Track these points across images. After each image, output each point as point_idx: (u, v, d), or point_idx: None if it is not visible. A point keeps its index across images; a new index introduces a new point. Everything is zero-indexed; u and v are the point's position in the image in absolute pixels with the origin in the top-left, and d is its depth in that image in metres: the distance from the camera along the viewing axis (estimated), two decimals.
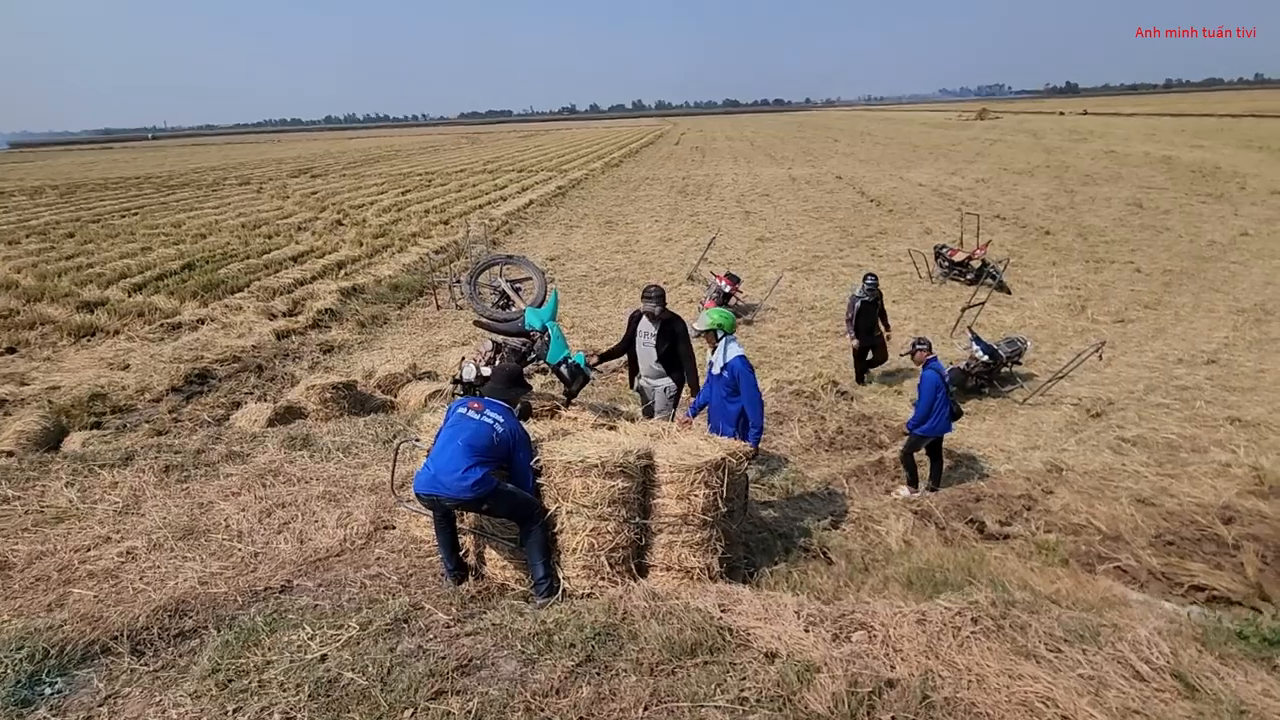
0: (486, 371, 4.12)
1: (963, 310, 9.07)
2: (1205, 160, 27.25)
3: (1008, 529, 5.24)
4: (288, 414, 7.04)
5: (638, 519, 3.44)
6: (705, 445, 3.67)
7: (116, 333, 11.30)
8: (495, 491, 3.26)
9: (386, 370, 8.63)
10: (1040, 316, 10.45)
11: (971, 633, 2.30)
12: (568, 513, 3.38)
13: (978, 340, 7.62)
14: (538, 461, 3.42)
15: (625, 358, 5.59)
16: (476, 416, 3.40)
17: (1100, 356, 7.70)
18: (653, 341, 5.27)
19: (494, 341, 4.72)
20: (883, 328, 8.30)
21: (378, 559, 3.52)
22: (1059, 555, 4.88)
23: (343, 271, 14.67)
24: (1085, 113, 72.24)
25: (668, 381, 5.34)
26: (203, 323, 11.63)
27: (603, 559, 3.36)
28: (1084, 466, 6.20)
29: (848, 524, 4.88)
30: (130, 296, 13.07)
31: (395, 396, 7.89)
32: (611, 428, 4.04)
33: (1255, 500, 5.49)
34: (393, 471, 3.74)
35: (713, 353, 4.90)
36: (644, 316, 5.35)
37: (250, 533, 3.65)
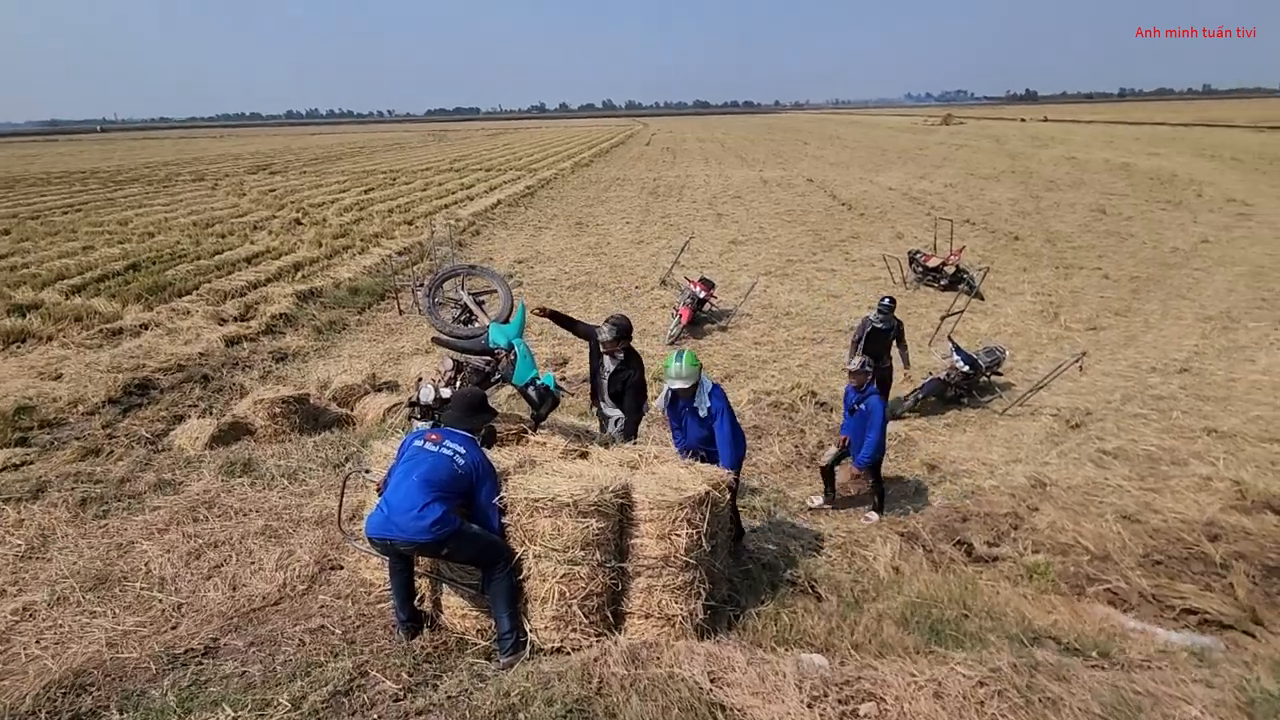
0: (446, 394, 3.73)
1: (942, 319, 8.95)
2: (1162, 168, 27.96)
3: (996, 550, 5.05)
4: (233, 430, 6.54)
5: (614, 562, 3.09)
6: (686, 476, 3.35)
7: (50, 339, 10.53)
8: (458, 533, 2.92)
9: (343, 381, 8.13)
10: (1014, 323, 10.40)
11: (998, 710, 2.04)
12: (535, 557, 3.02)
13: (958, 350, 7.47)
14: (502, 499, 3.07)
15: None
16: (434, 449, 3.04)
17: (1081, 368, 7.62)
18: (607, 377, 4.78)
19: (455, 360, 4.32)
20: (901, 360, 7.36)
21: (321, 607, 3.14)
22: (1049, 578, 4.71)
23: (300, 274, 14.02)
24: (1045, 119, 74.05)
25: (619, 414, 4.80)
26: (146, 328, 10.93)
27: (575, 608, 3.01)
28: (1067, 481, 6.06)
29: (833, 549, 4.63)
30: (68, 299, 12.26)
31: (352, 410, 7.43)
32: (584, 454, 3.70)
33: (1239, 516, 5.41)
34: (340, 505, 3.36)
35: (692, 399, 4.29)
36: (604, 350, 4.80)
37: (174, 579, 3.22)
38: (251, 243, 16.86)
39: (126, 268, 14.19)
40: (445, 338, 4.62)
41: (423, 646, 2.90)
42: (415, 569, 3.12)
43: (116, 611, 2.97)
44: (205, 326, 10.88)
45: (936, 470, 6.25)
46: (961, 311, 9.20)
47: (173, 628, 2.90)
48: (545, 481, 3.12)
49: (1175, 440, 6.75)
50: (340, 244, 16.70)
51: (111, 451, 6.83)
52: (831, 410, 7.48)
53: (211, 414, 7.82)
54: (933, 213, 19.38)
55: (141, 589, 3.15)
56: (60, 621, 2.88)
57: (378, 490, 3.16)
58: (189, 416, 7.82)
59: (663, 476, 3.34)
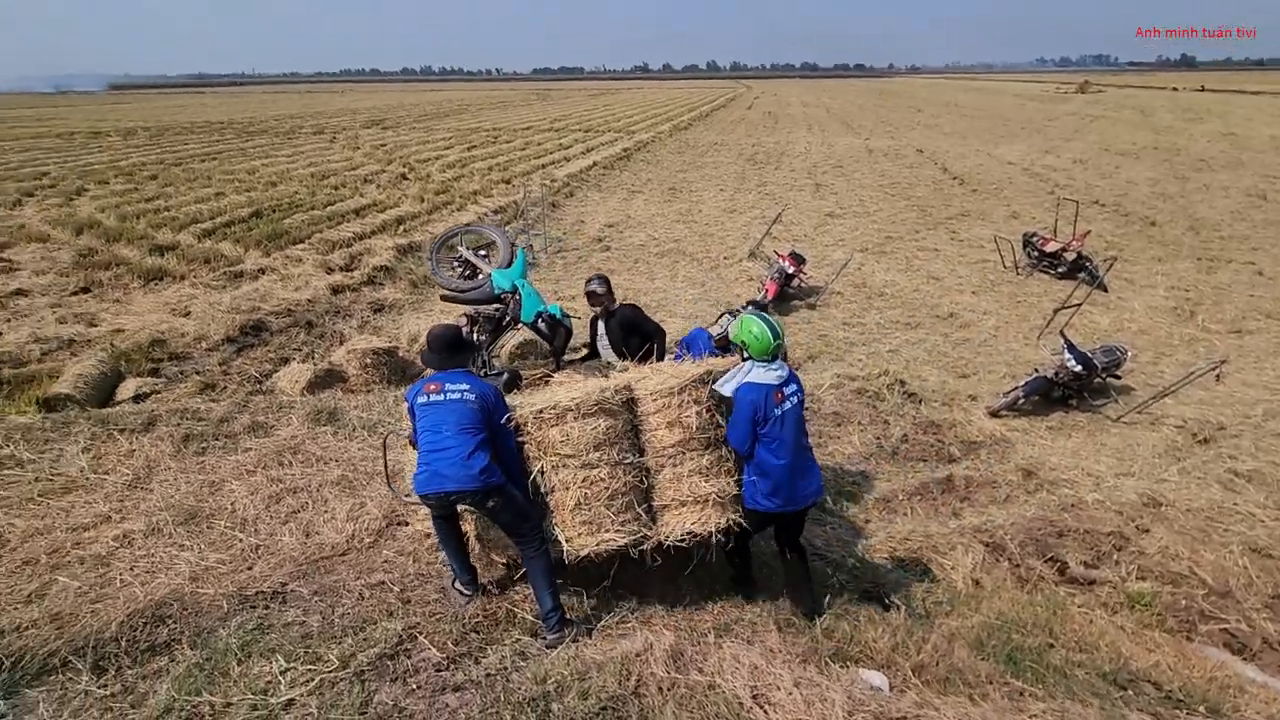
0: None
1: (1055, 311, 8.17)
2: None
3: (1094, 572, 4.61)
4: (328, 376, 6.92)
5: (631, 459, 3.13)
6: (684, 367, 3.43)
7: (183, 278, 11.50)
8: (502, 489, 2.98)
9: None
10: (1141, 320, 9.38)
11: None
12: (553, 468, 3.09)
13: (1071, 347, 6.80)
14: (510, 418, 3.13)
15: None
16: (442, 397, 3.07)
17: (1219, 376, 6.77)
18: (609, 339, 4.59)
19: (467, 315, 4.43)
20: None
21: (384, 562, 3.25)
22: (1155, 611, 4.25)
23: (401, 228, 14.59)
24: (1203, 89, 65.86)
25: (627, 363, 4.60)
26: (263, 272, 11.72)
27: (602, 509, 3.07)
28: (1187, 502, 5.44)
29: (907, 554, 4.36)
30: (200, 242, 13.32)
31: None
32: None
33: None
34: (385, 465, 3.43)
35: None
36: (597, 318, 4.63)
37: (255, 520, 3.43)
38: (360, 195, 17.67)
39: (251, 214, 15.22)
40: (451, 294, 4.78)
41: (474, 614, 2.95)
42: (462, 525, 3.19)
43: (201, 547, 3.19)
44: (314, 274, 11.53)
45: (1033, 477, 5.75)
46: (1080, 304, 8.37)
47: (248, 568, 3.09)
48: (548, 394, 3.22)
49: None
50: (441, 200, 17.22)
51: (225, 387, 7.40)
52: (920, 402, 7.04)
53: (312, 359, 8.33)
54: (1056, 191, 17.73)
55: (226, 527, 3.38)
56: (153, 551, 3.13)
57: (410, 443, 3.26)
58: (293, 359, 8.35)
59: (663, 371, 3.42)
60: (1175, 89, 66.27)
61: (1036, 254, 11.24)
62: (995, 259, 11.80)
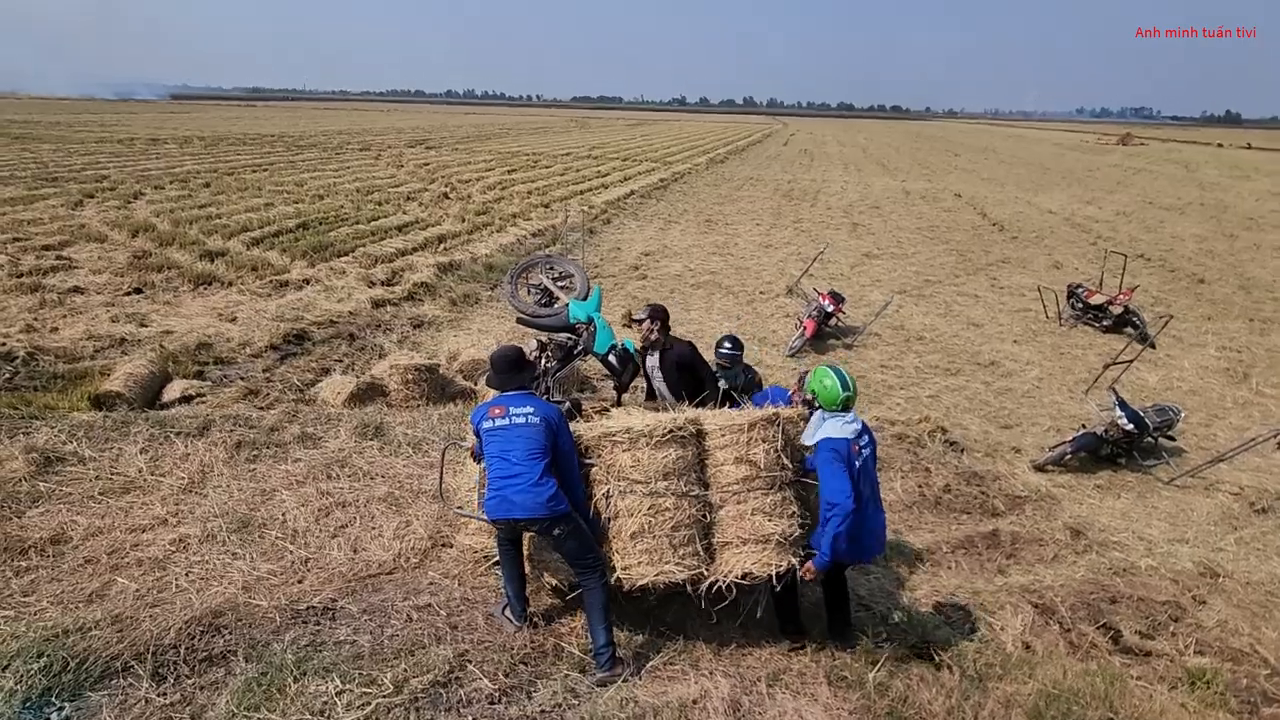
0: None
1: (1105, 367, 7.99)
2: None
3: (1150, 643, 4.41)
4: (370, 390, 7.00)
5: (697, 491, 3.12)
6: (751, 410, 3.43)
7: (230, 284, 11.80)
8: (569, 517, 2.98)
9: (470, 355, 8.49)
10: (1191, 380, 9.14)
11: None
12: (620, 493, 3.08)
13: (1123, 404, 6.63)
14: (578, 436, 3.17)
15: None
16: (507, 421, 3.09)
17: (1279, 445, 6.54)
18: (660, 377, 4.53)
19: (539, 340, 4.50)
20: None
21: (430, 584, 3.24)
22: (1217, 689, 4.05)
23: (442, 246, 14.85)
24: (1249, 146, 64.88)
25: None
26: (308, 283, 11.98)
27: (664, 540, 3.04)
28: (1246, 575, 5.22)
29: (955, 611, 4.23)
30: (248, 250, 13.69)
31: (476, 385, 7.73)
32: None
33: None
34: (440, 476, 3.45)
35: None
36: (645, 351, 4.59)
37: (305, 533, 3.44)
38: (404, 212, 18.07)
39: (298, 225, 15.63)
40: (528, 318, 4.87)
41: (521, 645, 2.92)
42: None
43: (254, 556, 3.21)
44: (357, 288, 11.77)
45: (1081, 537, 5.57)
46: (1131, 361, 8.18)
47: (299, 581, 3.10)
48: (621, 420, 3.22)
49: None
50: (481, 220, 17.52)
51: (268, 394, 7.52)
52: (962, 451, 6.89)
53: (353, 371, 8.45)
54: (1099, 242, 17.50)
55: (277, 538, 3.40)
56: (207, 558, 3.16)
57: (472, 456, 3.28)
58: (334, 370, 8.48)
59: (730, 412, 3.41)
60: (1220, 145, 65.42)
61: (1081, 306, 11.05)
62: (1037, 308, 11.63)
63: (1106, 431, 6.63)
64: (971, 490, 6.06)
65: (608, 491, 3.07)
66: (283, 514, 3.60)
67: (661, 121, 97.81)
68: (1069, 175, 34.94)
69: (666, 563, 2.98)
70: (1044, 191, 27.77)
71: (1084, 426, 7.01)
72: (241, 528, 3.43)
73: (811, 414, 3.48)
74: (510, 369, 3.27)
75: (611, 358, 4.09)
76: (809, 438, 3.31)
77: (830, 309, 9.76)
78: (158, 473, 3.90)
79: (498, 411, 3.11)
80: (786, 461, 3.25)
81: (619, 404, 4.16)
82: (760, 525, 3.11)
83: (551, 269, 5.77)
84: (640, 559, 3.00)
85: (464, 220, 17.38)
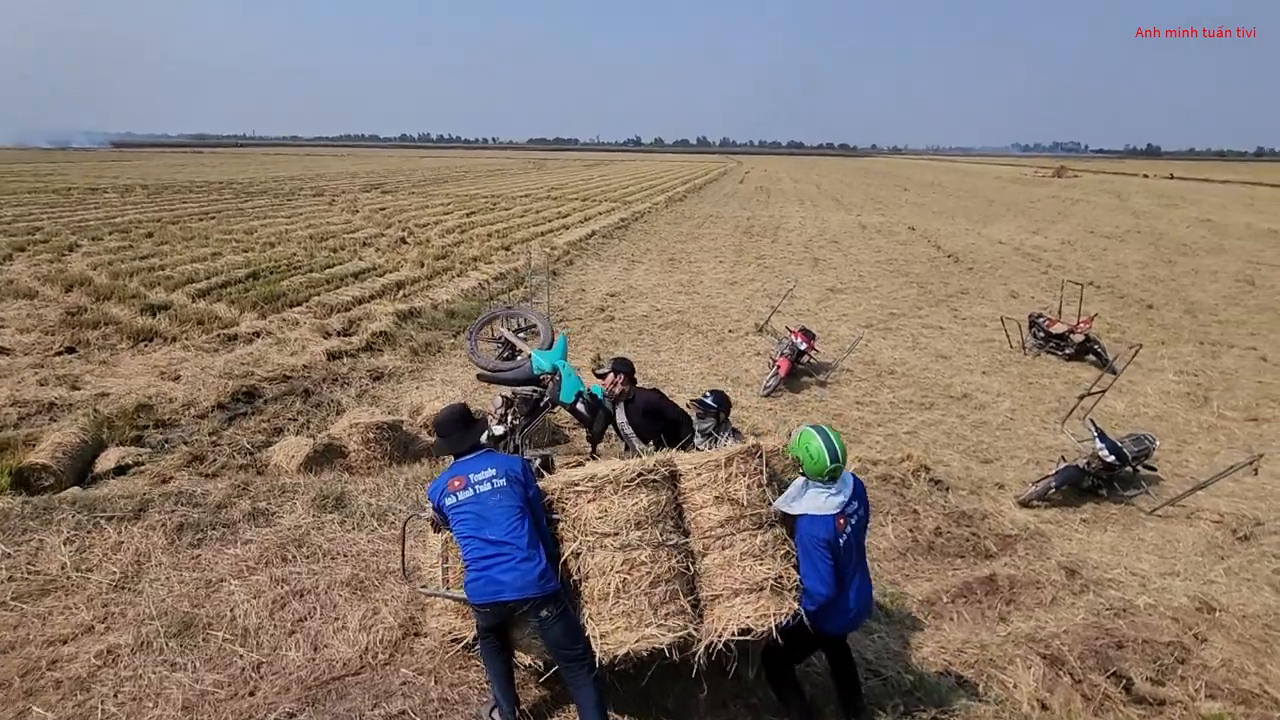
0: (499, 430, 3.64)
1: (1080, 398, 8.05)
2: None
3: (1161, 690, 4.25)
4: (327, 452, 6.55)
5: (675, 540, 2.80)
6: (730, 445, 3.19)
7: (174, 340, 11.17)
8: (558, 596, 2.71)
9: (434, 408, 8.11)
10: (1155, 406, 9.29)
11: None
12: (589, 549, 2.77)
13: (1103, 435, 6.63)
14: (542, 492, 2.89)
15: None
16: (471, 493, 2.80)
17: (1256, 471, 6.60)
18: (629, 426, 4.38)
19: (503, 396, 4.23)
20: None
21: (402, 685, 2.87)
22: None
23: (401, 292, 14.44)
24: (1172, 176, 69.06)
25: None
26: (258, 335, 11.43)
27: (642, 600, 2.71)
28: (1241, 608, 5.15)
29: (964, 667, 4.01)
30: (194, 302, 13.06)
31: None
32: None
33: None
34: (403, 554, 3.11)
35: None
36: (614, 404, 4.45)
37: (257, 631, 3.04)
38: (360, 259, 17.61)
39: (248, 275, 15.04)
40: (490, 374, 4.63)
41: None
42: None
43: (197, 665, 2.80)
44: (311, 339, 11.25)
45: (1077, 576, 5.44)
46: (1104, 391, 8.26)
47: (250, 693, 2.70)
48: (586, 469, 2.91)
49: None
50: (441, 265, 17.18)
51: (214, 459, 7.00)
52: (947, 489, 6.77)
53: (308, 429, 7.96)
54: (1050, 271, 18.07)
55: (225, 639, 2.99)
56: (140, 672, 2.73)
57: (432, 527, 3.01)
58: (287, 430, 7.98)
59: (704, 451, 3.21)
60: (1146, 175, 69.42)
61: (1043, 335, 11.25)
62: (1000, 338, 11.80)
63: (1088, 463, 6.60)
64: (962, 532, 5.91)
65: (576, 550, 2.78)
66: (230, 609, 3.18)
67: (618, 161, 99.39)
68: (1013, 207, 36.42)
69: (648, 625, 2.66)
70: (992, 223, 28.79)
71: (1063, 459, 6.99)
72: (182, 630, 3.00)
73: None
74: (457, 428, 2.98)
75: (580, 406, 3.84)
76: (786, 505, 2.98)
77: (803, 346, 9.69)
78: (84, 567, 3.43)
79: (457, 484, 2.81)
80: (771, 497, 3.00)
81: (594, 455, 3.89)
82: (751, 571, 2.81)
83: (512, 320, 5.55)
84: (618, 623, 2.68)
85: (423, 265, 17.02)
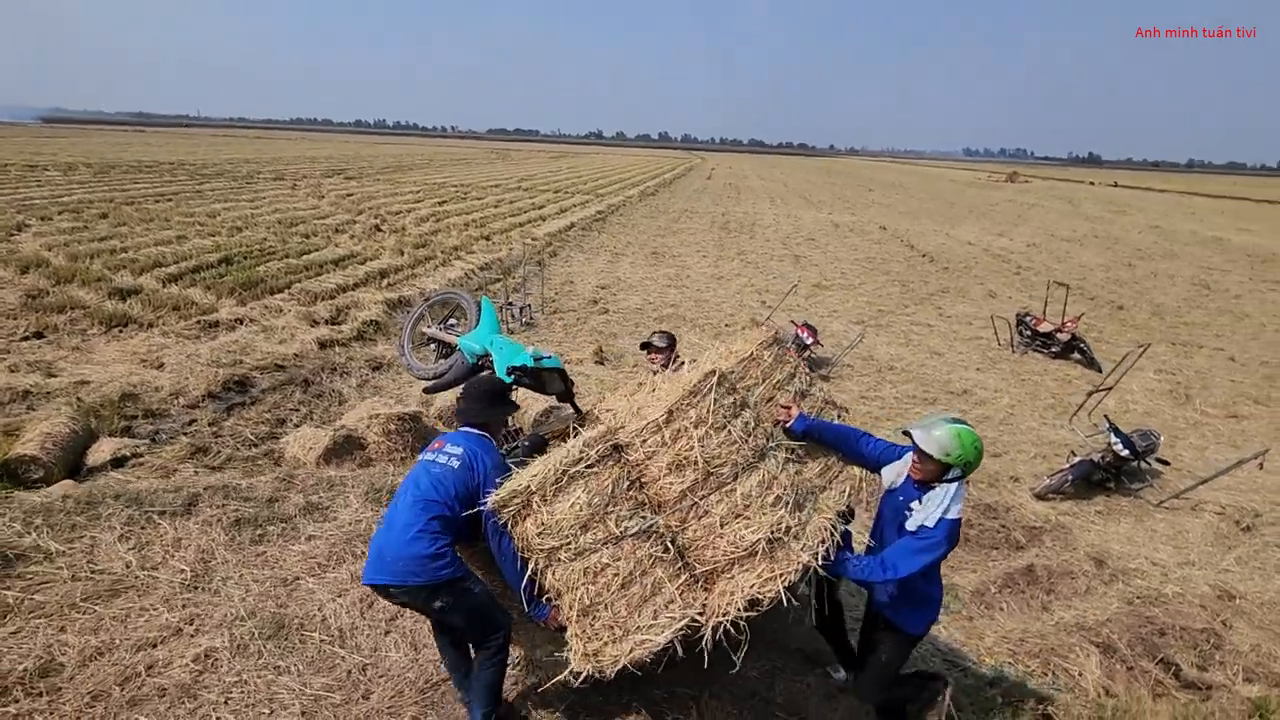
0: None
1: (1089, 394, 8.31)
2: (1259, 245, 26.72)
3: (1206, 675, 4.42)
4: (346, 444, 6.30)
5: (637, 525, 2.39)
6: (687, 374, 2.75)
7: (150, 325, 10.59)
8: (454, 583, 2.36)
9: (446, 399, 7.88)
10: (1143, 403, 9.68)
11: None
12: (545, 568, 2.41)
13: (1116, 430, 6.86)
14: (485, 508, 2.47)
15: None
16: (432, 457, 2.55)
17: (1261, 465, 6.92)
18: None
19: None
20: None
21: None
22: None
23: (386, 281, 14.02)
24: (1116, 184, 72.25)
25: None
26: (241, 323, 10.92)
27: (620, 607, 2.34)
28: (1257, 595, 5.39)
29: (1029, 658, 4.08)
30: (165, 287, 12.40)
31: None
32: None
33: None
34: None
35: (922, 491, 2.85)
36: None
37: (352, 631, 2.87)
38: (335, 245, 17.00)
39: (219, 260, 14.36)
40: (431, 384, 4.01)
41: None
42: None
43: (301, 669, 2.62)
44: (298, 327, 10.81)
45: (1104, 567, 5.63)
46: (1110, 388, 8.55)
47: (364, 696, 2.54)
48: (509, 484, 2.47)
49: None
50: (422, 254, 16.73)
51: (219, 451, 6.66)
52: (967, 483, 6.90)
53: (311, 419, 7.64)
54: (1021, 272, 18.68)
55: (322, 641, 2.81)
56: (245, 676, 2.54)
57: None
58: (290, 419, 7.66)
59: (656, 395, 2.73)
60: (1092, 183, 72.42)
61: (1030, 333, 11.60)
62: (988, 336, 12.12)
63: (1102, 457, 6.82)
64: (992, 524, 6.04)
65: (533, 572, 2.44)
66: (319, 608, 2.99)
67: (583, 154, 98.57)
68: (974, 209, 37.51)
69: (636, 630, 2.31)
70: (958, 224, 29.59)
71: (1073, 453, 7.21)
72: (277, 631, 2.80)
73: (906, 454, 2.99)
74: (475, 400, 2.74)
75: (525, 379, 3.29)
76: (937, 510, 2.58)
77: (809, 341, 9.76)
78: (149, 565, 3.17)
79: (436, 445, 2.63)
80: (742, 432, 2.53)
81: (580, 418, 3.37)
82: (739, 534, 2.42)
83: (434, 311, 4.83)
84: (604, 638, 2.35)
85: (403, 254, 16.54)
